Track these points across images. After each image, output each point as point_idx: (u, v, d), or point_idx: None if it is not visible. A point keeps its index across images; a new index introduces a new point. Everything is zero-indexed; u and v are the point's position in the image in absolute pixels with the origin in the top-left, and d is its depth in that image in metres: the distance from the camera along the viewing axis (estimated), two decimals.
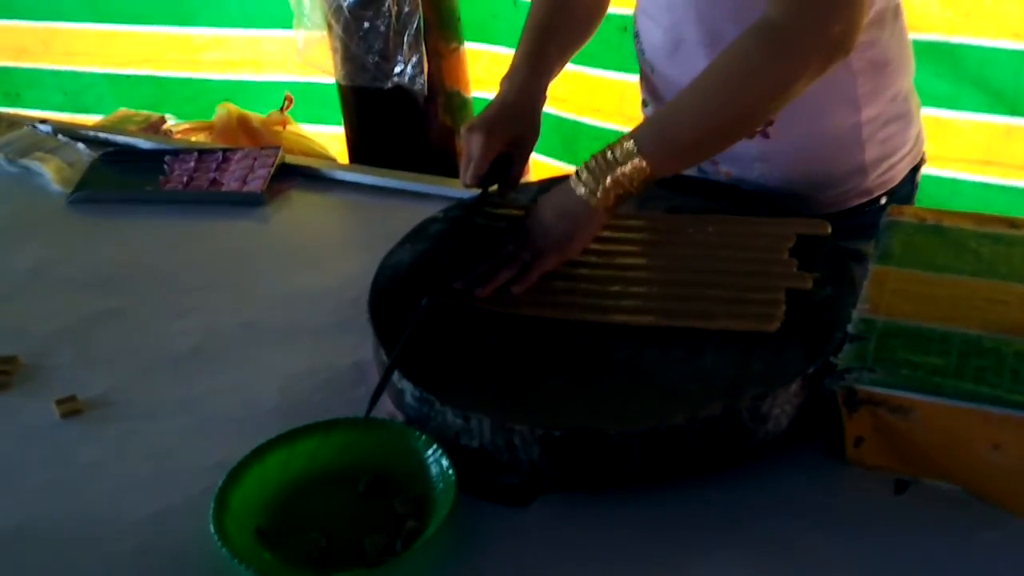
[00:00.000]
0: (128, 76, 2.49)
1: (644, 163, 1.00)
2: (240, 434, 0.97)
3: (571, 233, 1.05)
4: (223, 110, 2.09)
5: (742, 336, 0.95)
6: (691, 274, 1.04)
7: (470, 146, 1.13)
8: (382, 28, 1.79)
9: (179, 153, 1.51)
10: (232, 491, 0.88)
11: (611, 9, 1.27)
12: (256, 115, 2.11)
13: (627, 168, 1.01)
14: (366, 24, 1.79)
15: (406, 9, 1.78)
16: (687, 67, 1.09)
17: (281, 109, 2.14)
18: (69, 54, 2.52)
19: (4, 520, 0.93)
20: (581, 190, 1.03)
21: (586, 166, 1.04)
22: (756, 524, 0.86)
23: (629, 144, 1.01)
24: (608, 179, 1.01)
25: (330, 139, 2.30)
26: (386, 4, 1.77)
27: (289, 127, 2.13)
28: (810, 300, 0.99)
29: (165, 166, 1.48)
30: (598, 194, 1.02)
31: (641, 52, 1.25)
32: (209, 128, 2.06)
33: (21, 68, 2.57)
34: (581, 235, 1.05)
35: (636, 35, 1.26)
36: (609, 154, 1.02)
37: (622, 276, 1.05)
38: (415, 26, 1.82)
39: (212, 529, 0.84)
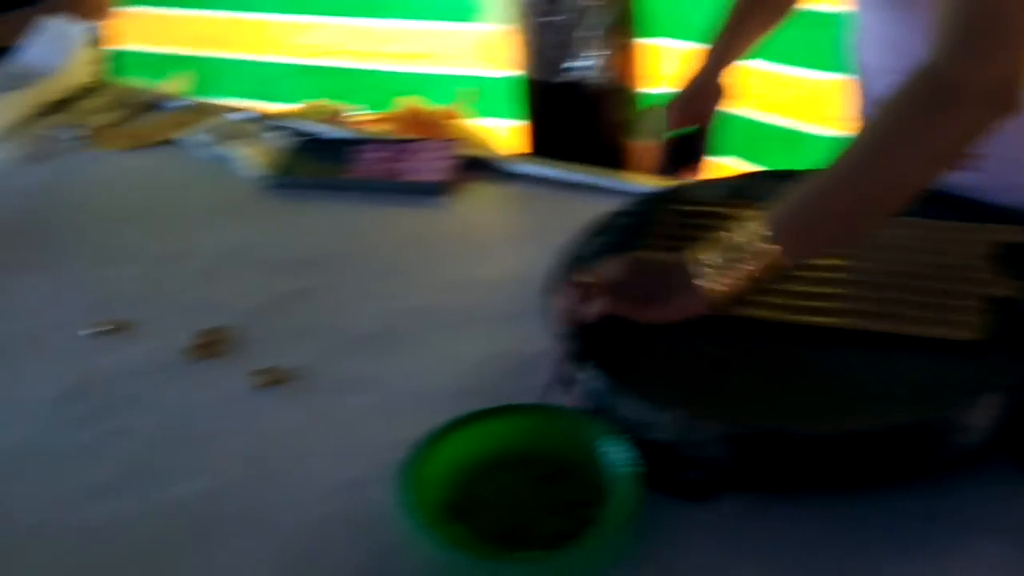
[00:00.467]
0: (314, 67, 2.61)
1: (778, 252, 0.91)
2: (422, 413, 1.00)
3: (667, 312, 0.96)
4: (400, 102, 2.17)
5: (936, 343, 0.92)
6: (885, 277, 1.01)
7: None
8: (570, 22, 1.81)
9: (367, 142, 1.58)
10: (417, 466, 0.92)
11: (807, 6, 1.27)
12: (429, 107, 2.17)
13: (757, 258, 0.91)
14: (553, 18, 1.82)
15: (594, 4, 1.81)
16: None
17: (457, 102, 2.19)
18: (258, 44, 2.65)
19: (199, 483, 0.99)
20: (700, 279, 0.94)
21: (708, 250, 0.94)
22: (943, 537, 0.84)
23: (761, 228, 0.91)
24: (733, 271, 0.92)
25: (503, 133, 2.34)
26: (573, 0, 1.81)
27: (459, 120, 2.18)
28: (1011, 309, 0.95)
29: (354, 154, 1.54)
30: (719, 286, 0.93)
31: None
32: (386, 119, 2.14)
33: (211, 57, 2.72)
34: (677, 314, 0.96)
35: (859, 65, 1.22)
36: (737, 237, 0.92)
37: (813, 276, 1.03)
38: (602, 21, 1.84)
39: (399, 501, 0.88)
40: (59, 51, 1.85)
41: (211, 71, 2.63)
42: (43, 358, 1.19)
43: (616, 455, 0.91)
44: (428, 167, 1.49)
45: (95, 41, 1.92)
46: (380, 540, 0.90)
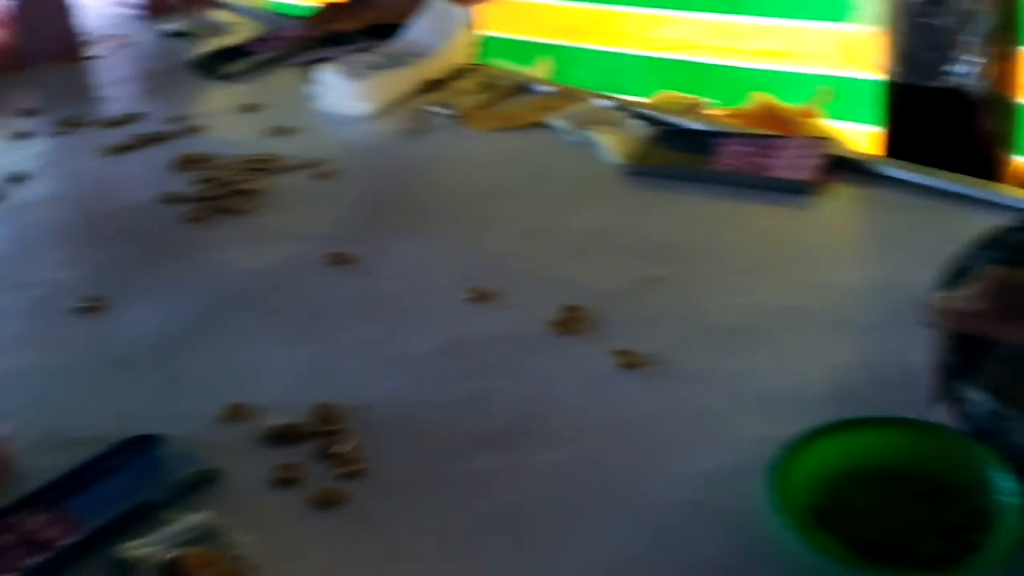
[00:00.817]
0: (665, 60, 2.63)
1: None
2: (787, 413, 0.99)
3: None
4: (756, 98, 2.14)
5: None
6: None
7: None
8: (951, 25, 1.72)
9: (730, 135, 1.57)
10: (786, 467, 0.90)
11: None
12: (786, 106, 2.13)
13: None
14: (932, 21, 1.72)
15: (977, 8, 1.70)
16: None
17: (814, 101, 2.13)
18: (613, 36, 2.71)
19: (562, 453, 1.03)
20: None
21: None
22: None
23: None
24: None
25: (858, 136, 2.25)
26: (957, 2, 1.71)
27: (815, 120, 2.12)
28: None
29: (716, 147, 1.54)
30: None
31: None
32: (740, 115, 2.12)
33: (566, 46, 2.80)
34: None
35: None
36: None
37: None
38: (985, 26, 1.72)
39: (767, 499, 0.87)
40: (441, 32, 1.98)
41: (566, 59, 2.72)
42: (422, 316, 1.28)
43: (1002, 482, 0.85)
44: (793, 164, 1.46)
45: (471, 25, 2.04)
46: (742, 535, 0.89)
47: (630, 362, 1.13)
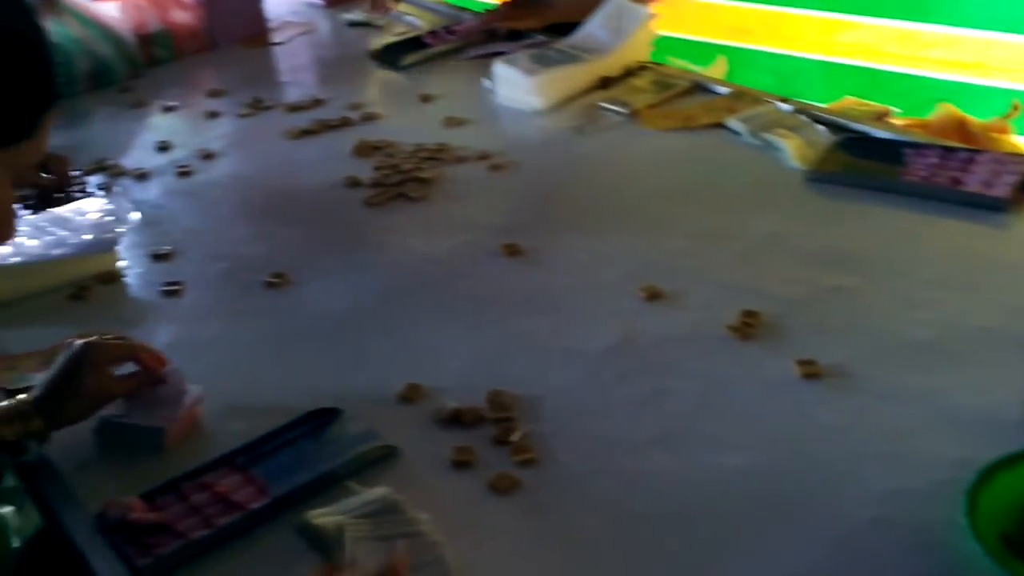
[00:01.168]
0: (843, 65, 2.56)
1: None
2: (979, 436, 0.96)
3: None
4: (942, 110, 2.06)
5: None
6: None
7: None
8: None
9: (920, 147, 1.51)
10: (982, 491, 0.86)
11: None
12: (976, 119, 2.04)
13: None
14: None
15: None
16: None
17: (1005, 116, 2.04)
18: (789, 38, 2.65)
19: (737, 458, 1.01)
20: None
21: None
22: None
23: None
24: None
25: None
26: None
27: (1008, 136, 2.03)
28: None
29: (905, 157, 1.49)
30: None
31: None
32: (924, 126, 2.04)
33: (740, 47, 2.76)
34: None
35: None
36: None
37: None
38: None
39: (965, 524, 0.83)
40: (618, 30, 1.98)
41: (740, 61, 2.68)
42: (594, 311, 1.28)
43: None
44: (989, 180, 1.40)
45: (649, 23, 2.02)
46: (928, 557, 0.86)
47: (812, 372, 1.11)
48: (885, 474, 0.96)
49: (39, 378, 1.10)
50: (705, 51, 2.81)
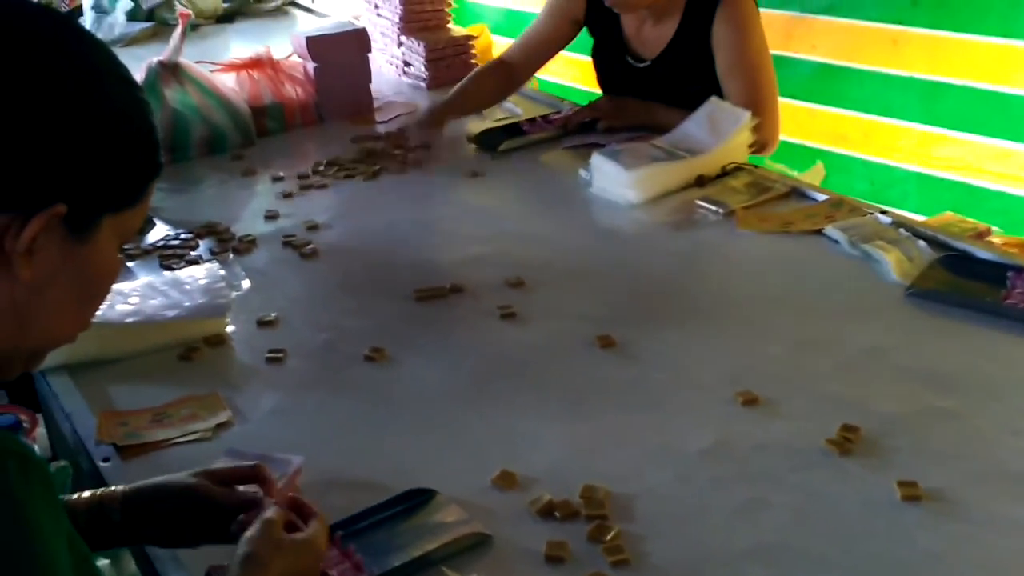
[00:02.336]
0: (941, 179, 2.55)
1: None
2: None
3: None
4: None
5: None
6: None
7: None
8: None
9: (1022, 270, 1.50)
10: None
11: None
12: None
13: None
14: None
15: None
16: None
17: None
18: (885, 148, 2.66)
19: (838, 573, 1.00)
20: None
21: None
22: None
23: None
24: None
25: None
26: None
27: None
28: None
29: (1008, 280, 1.48)
30: None
31: None
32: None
33: (836, 152, 2.78)
34: None
35: None
36: None
37: None
38: None
39: None
40: (718, 130, 2.01)
41: (837, 166, 2.70)
42: (689, 411, 1.29)
43: None
44: None
45: (747, 126, 2.05)
46: None
47: (914, 495, 1.10)
48: None
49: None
50: (801, 153, 2.84)
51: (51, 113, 0.73)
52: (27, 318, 0.76)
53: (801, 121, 2.82)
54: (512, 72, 2.39)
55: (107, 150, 0.76)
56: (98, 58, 0.77)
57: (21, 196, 0.72)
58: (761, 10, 2.12)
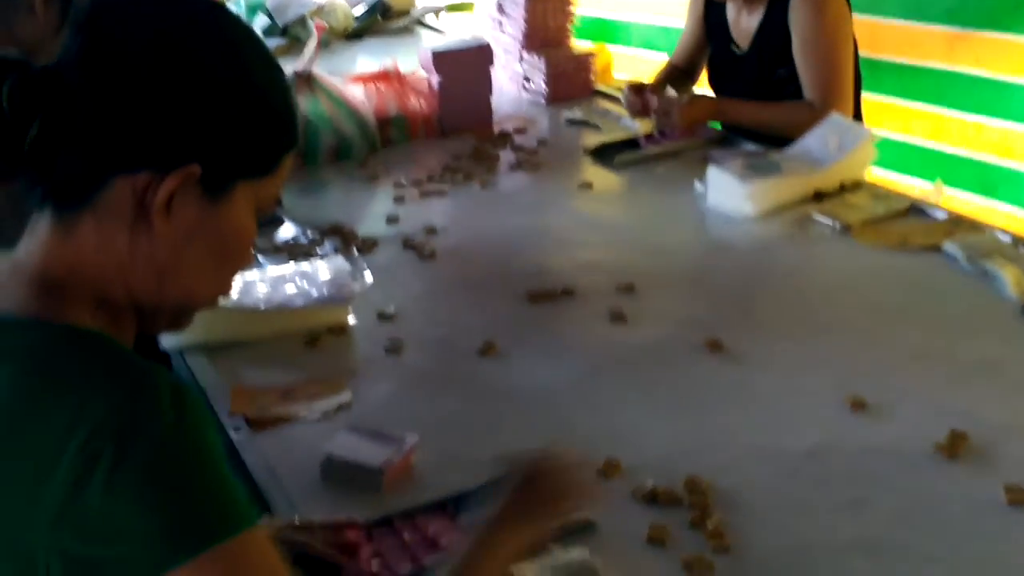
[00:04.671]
0: None
1: None
2: None
3: None
4: None
5: None
6: None
7: None
8: None
9: None
10: None
11: None
12: None
13: None
14: None
15: None
16: None
17: None
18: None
19: (942, 574, 1.00)
20: None
21: None
22: None
23: None
24: None
25: None
26: None
27: None
28: None
29: None
30: None
31: None
32: None
33: (1001, 167, 2.78)
34: None
35: None
36: None
37: None
38: None
39: None
40: (838, 146, 2.01)
41: (996, 177, 2.70)
42: (796, 414, 1.30)
43: None
44: None
45: (868, 143, 2.04)
46: None
47: (1021, 500, 1.09)
48: None
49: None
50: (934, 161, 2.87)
51: (192, 81, 0.79)
52: (166, 274, 0.82)
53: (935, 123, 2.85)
54: (680, 72, 2.51)
55: (242, 118, 0.82)
56: (242, 35, 0.84)
57: (160, 155, 0.78)
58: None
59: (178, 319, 0.89)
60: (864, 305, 1.58)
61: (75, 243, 0.80)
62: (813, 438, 1.24)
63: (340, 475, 1.18)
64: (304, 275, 1.60)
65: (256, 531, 0.74)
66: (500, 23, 2.87)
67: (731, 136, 2.30)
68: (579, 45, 2.86)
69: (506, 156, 2.37)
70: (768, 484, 1.16)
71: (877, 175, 2.11)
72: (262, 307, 1.51)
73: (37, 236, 0.81)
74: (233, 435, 1.27)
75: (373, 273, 1.65)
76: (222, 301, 0.90)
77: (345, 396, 1.37)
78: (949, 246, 1.70)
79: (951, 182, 2.85)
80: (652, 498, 1.14)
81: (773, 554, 1.05)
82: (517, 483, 0.98)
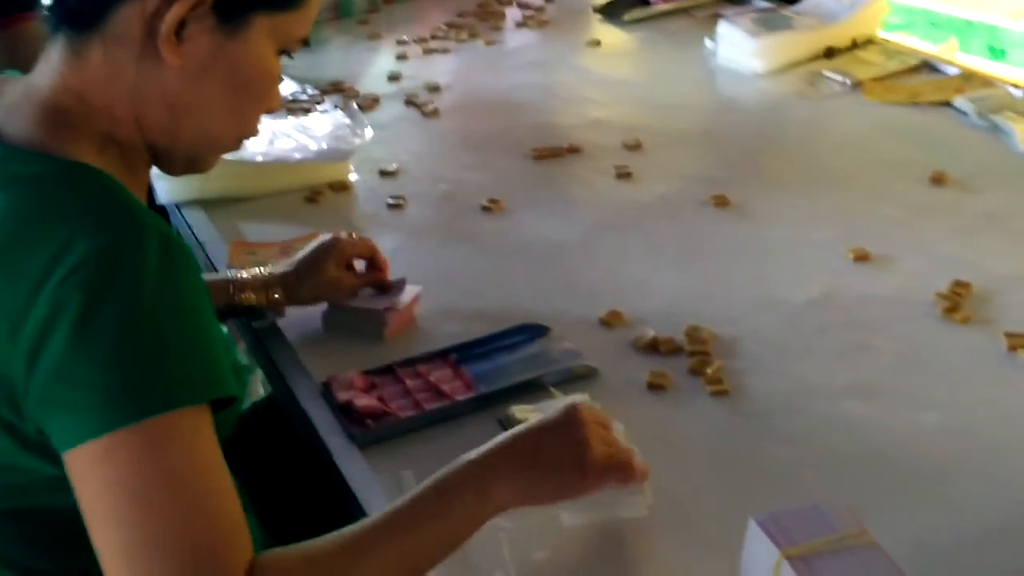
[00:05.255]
0: None
1: None
2: None
3: None
4: None
5: None
6: None
7: None
8: None
9: None
10: None
11: None
12: None
13: None
14: None
15: None
16: None
17: None
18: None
19: (934, 416, 1.02)
20: None
21: None
22: None
23: None
24: None
25: None
26: None
27: None
28: None
29: None
30: None
31: None
32: None
33: (1011, 30, 2.70)
34: None
35: None
36: None
37: None
38: None
39: None
40: (850, 1, 1.95)
41: (1006, 40, 2.62)
42: (799, 265, 1.30)
43: None
44: None
45: None
46: None
47: (1020, 345, 1.09)
48: None
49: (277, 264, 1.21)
50: (943, 24, 2.77)
51: None
52: (179, 110, 0.80)
53: None
54: None
55: None
56: None
57: None
58: None
59: (195, 161, 0.87)
60: (872, 161, 1.56)
61: (84, 69, 0.78)
62: (815, 289, 1.24)
63: (343, 323, 1.19)
64: (303, 128, 1.58)
65: (198, 412, 0.71)
66: None
67: None
68: None
69: (512, 13, 2.31)
70: (769, 332, 1.17)
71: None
72: (259, 159, 1.49)
73: (50, 61, 0.80)
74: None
75: (375, 131, 1.63)
76: (244, 145, 0.87)
77: None
78: (959, 101, 1.67)
79: (963, 48, 2.78)
80: (653, 347, 1.15)
81: (772, 396, 1.06)
82: (547, 423, 0.84)
